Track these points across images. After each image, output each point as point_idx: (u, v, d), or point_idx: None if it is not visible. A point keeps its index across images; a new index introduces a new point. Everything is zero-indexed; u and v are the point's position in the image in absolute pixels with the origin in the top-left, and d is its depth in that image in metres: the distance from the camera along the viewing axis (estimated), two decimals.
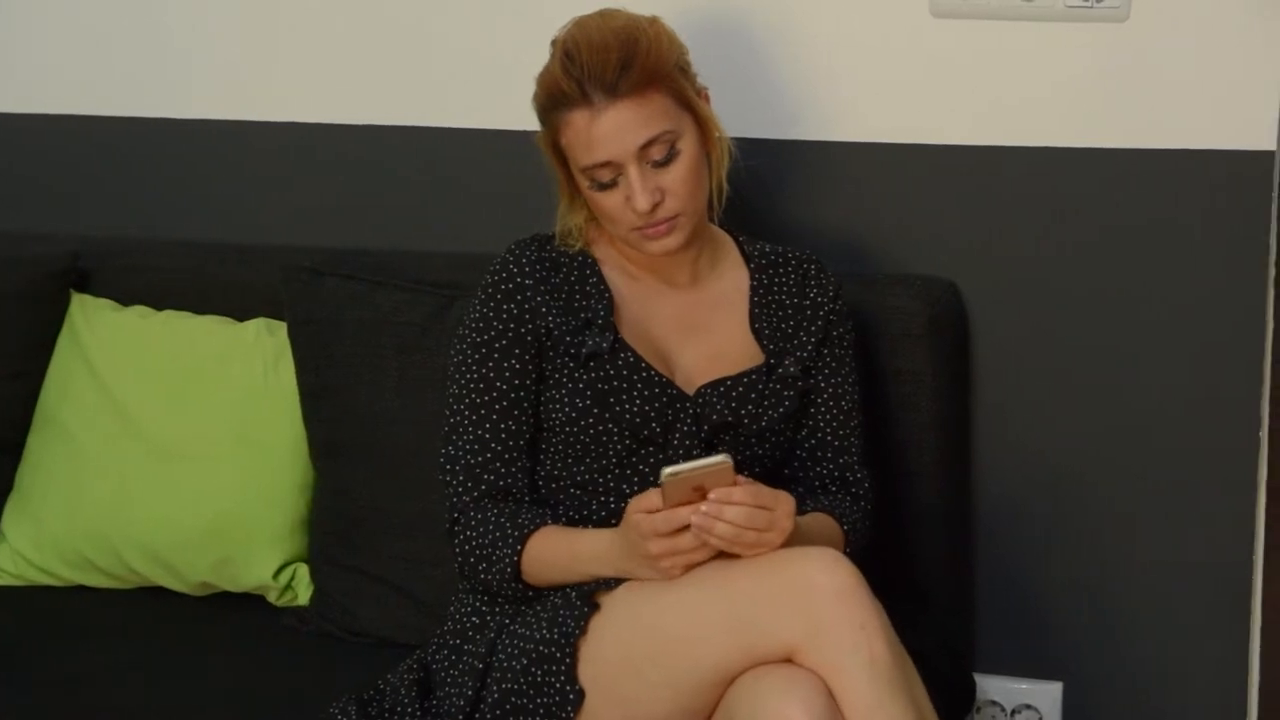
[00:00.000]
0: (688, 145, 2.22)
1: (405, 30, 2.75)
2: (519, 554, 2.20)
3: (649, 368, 2.25)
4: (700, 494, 2.04)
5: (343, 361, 2.59)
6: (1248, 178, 2.49)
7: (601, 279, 2.30)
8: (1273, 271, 2.52)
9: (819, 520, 2.27)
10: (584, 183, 2.23)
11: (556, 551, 2.20)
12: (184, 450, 2.66)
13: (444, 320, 2.55)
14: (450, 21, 2.73)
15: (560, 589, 2.20)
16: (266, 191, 2.85)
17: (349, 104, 2.79)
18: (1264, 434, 2.55)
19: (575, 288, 2.29)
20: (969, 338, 2.61)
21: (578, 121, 2.19)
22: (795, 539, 2.10)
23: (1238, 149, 2.48)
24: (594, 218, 2.31)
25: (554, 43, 2.24)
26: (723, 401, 2.26)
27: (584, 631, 2.12)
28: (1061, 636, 2.67)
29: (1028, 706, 2.68)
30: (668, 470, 2.03)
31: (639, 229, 2.23)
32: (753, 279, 2.36)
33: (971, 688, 2.55)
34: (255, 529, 2.64)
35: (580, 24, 2.23)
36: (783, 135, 2.61)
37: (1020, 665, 2.68)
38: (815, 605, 2.02)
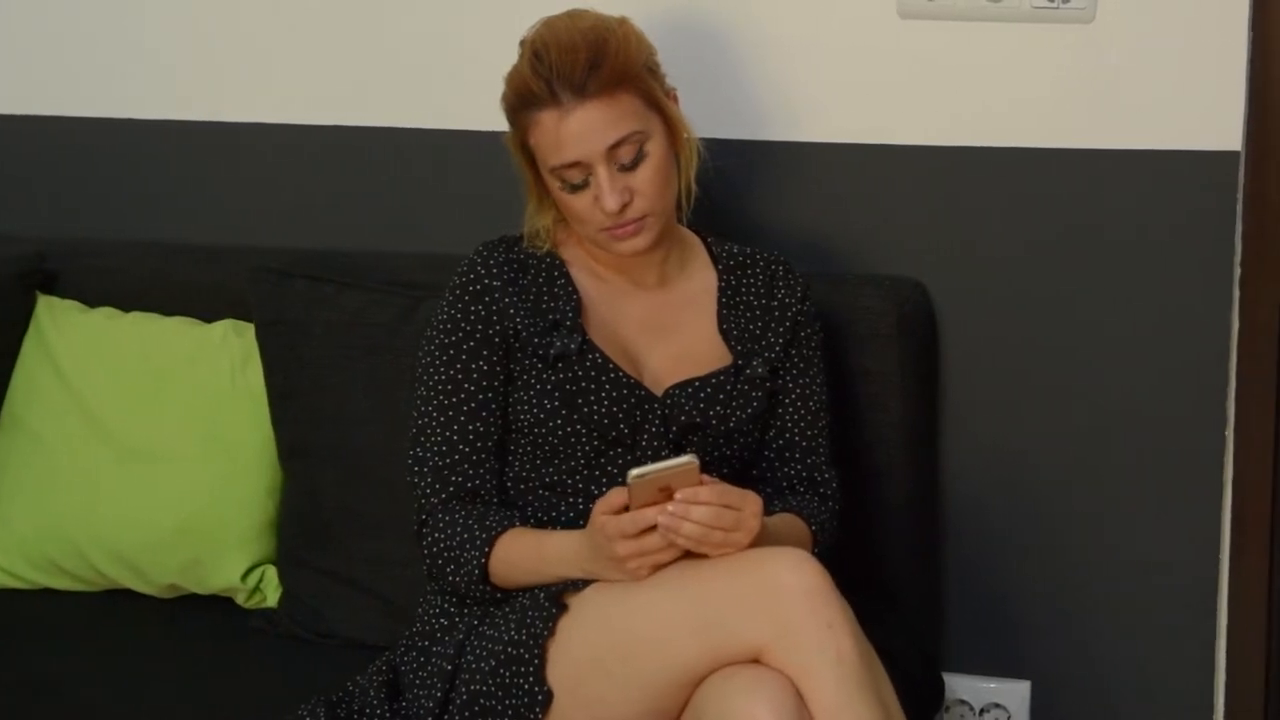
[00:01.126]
0: (656, 146, 2.22)
1: (372, 31, 2.75)
2: (487, 556, 2.19)
3: (617, 369, 2.25)
4: (667, 495, 2.04)
5: (311, 363, 2.59)
6: (1214, 178, 2.50)
7: (569, 280, 2.30)
8: (1239, 271, 2.53)
9: (786, 520, 2.27)
10: (553, 183, 2.23)
11: (524, 553, 2.20)
12: (152, 452, 2.65)
13: (412, 321, 2.54)
14: (417, 22, 2.73)
15: (528, 591, 2.20)
16: (234, 193, 2.84)
17: (317, 105, 2.78)
18: (1230, 433, 2.56)
19: (543, 289, 2.29)
20: (937, 338, 2.61)
21: (546, 122, 2.19)
22: (763, 539, 2.10)
23: (1204, 150, 2.49)
24: (562, 219, 2.31)
25: (522, 43, 2.23)
26: (691, 402, 2.26)
27: (552, 633, 2.12)
28: (1030, 636, 2.67)
29: (996, 705, 2.69)
30: (634, 472, 2.03)
31: (607, 229, 2.22)
32: (721, 280, 2.36)
33: (940, 687, 2.56)
34: (223, 531, 2.63)
35: (549, 24, 2.23)
36: (751, 136, 2.61)
37: (988, 664, 2.68)
38: (782, 605, 2.02)
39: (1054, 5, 2.48)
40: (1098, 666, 2.65)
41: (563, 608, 2.13)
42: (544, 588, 2.17)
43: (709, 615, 2.04)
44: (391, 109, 2.75)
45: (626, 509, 2.06)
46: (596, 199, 2.20)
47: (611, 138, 2.18)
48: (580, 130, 2.18)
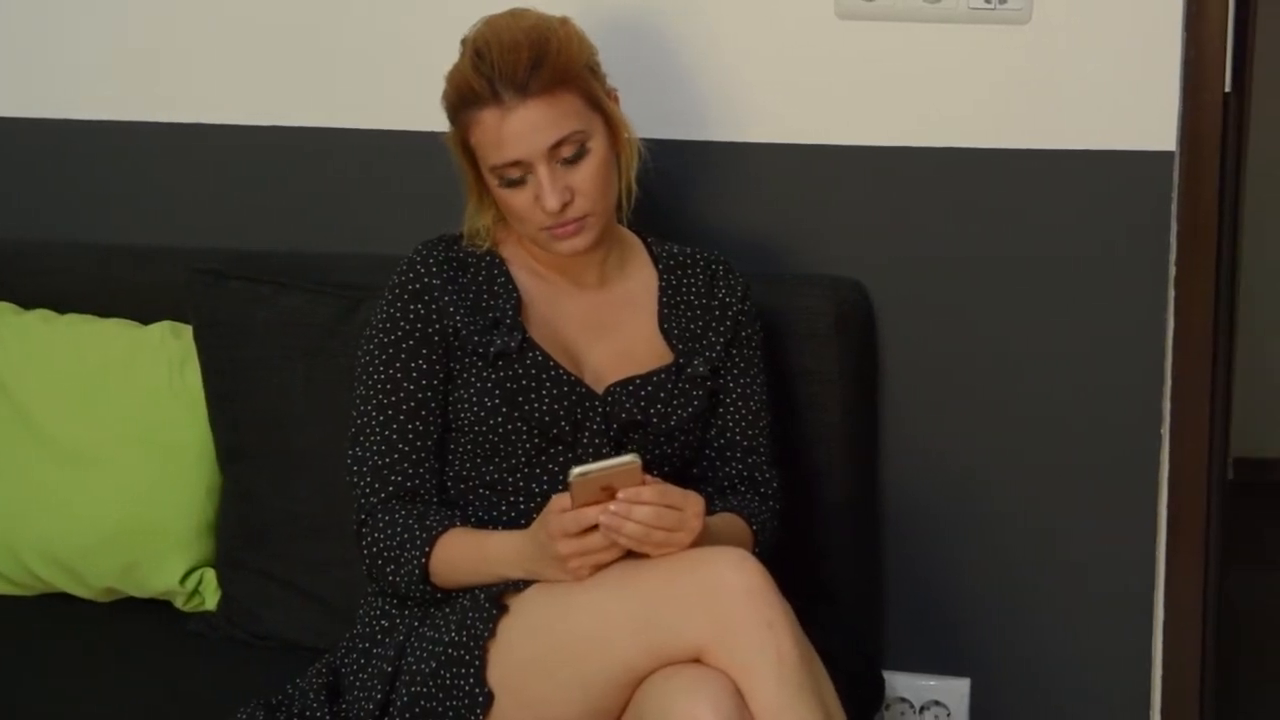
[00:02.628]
0: (597, 145, 2.22)
1: (309, 30, 2.74)
2: (427, 556, 2.19)
3: (558, 366, 2.25)
4: (609, 494, 2.04)
5: (248, 364, 2.57)
6: (1149, 178, 2.51)
7: (509, 279, 2.29)
8: (1174, 271, 2.55)
9: (727, 520, 2.28)
10: (493, 182, 2.23)
11: (465, 553, 2.19)
12: (89, 455, 2.64)
13: (350, 322, 2.53)
14: (354, 21, 2.72)
15: (469, 591, 2.19)
16: (170, 194, 2.83)
17: (254, 105, 2.77)
18: (1166, 433, 2.58)
19: (483, 287, 2.28)
20: (876, 337, 2.62)
21: (487, 120, 2.19)
22: (704, 539, 2.10)
23: (1139, 150, 2.50)
24: (502, 218, 2.30)
25: (464, 41, 2.23)
26: (632, 400, 2.27)
27: (493, 634, 2.11)
28: (969, 633, 2.69)
29: (936, 703, 2.70)
30: (576, 470, 2.03)
31: (548, 229, 2.22)
32: (661, 279, 2.36)
33: (880, 685, 2.57)
34: (161, 534, 2.62)
35: (490, 23, 2.22)
36: (691, 136, 2.61)
37: (928, 662, 2.69)
38: (723, 605, 2.03)
39: (990, 6, 2.50)
40: (1036, 664, 2.67)
41: (503, 608, 2.13)
42: (484, 588, 2.17)
43: (650, 615, 2.04)
44: (329, 109, 2.74)
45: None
46: (537, 198, 2.20)
47: (552, 137, 2.18)
48: (521, 129, 2.18)
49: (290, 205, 2.78)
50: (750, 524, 2.31)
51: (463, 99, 2.21)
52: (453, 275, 2.27)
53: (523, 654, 2.10)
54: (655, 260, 2.38)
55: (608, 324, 2.32)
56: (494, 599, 2.14)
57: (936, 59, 2.54)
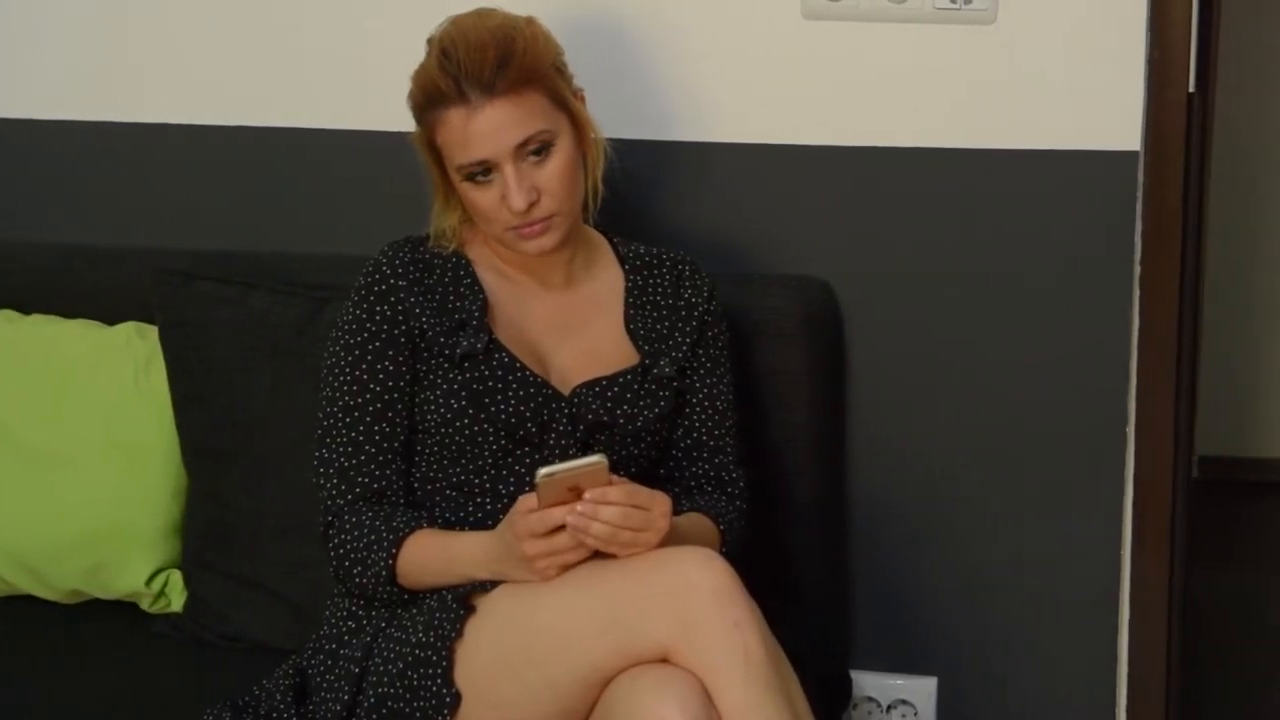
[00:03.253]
0: (563, 145, 2.22)
1: (276, 30, 2.73)
2: (394, 558, 2.19)
3: (524, 368, 2.24)
4: (576, 494, 2.04)
5: (215, 365, 2.57)
6: (1114, 178, 2.52)
7: (475, 280, 2.29)
8: (1138, 270, 2.56)
9: (694, 520, 2.28)
10: (460, 181, 2.23)
11: (432, 555, 2.19)
12: (54, 456, 2.62)
13: (317, 323, 2.53)
14: (321, 21, 2.71)
15: (436, 592, 2.19)
16: (136, 193, 2.82)
17: (220, 105, 2.76)
18: (1131, 430, 2.59)
19: (449, 288, 2.28)
20: (843, 337, 2.63)
21: (454, 120, 2.19)
22: (671, 539, 2.10)
23: (1104, 149, 2.52)
24: (468, 218, 2.30)
25: (430, 41, 2.23)
26: (598, 401, 2.26)
27: (460, 634, 2.11)
28: (936, 632, 2.69)
29: (903, 702, 2.70)
30: (542, 471, 2.03)
31: (514, 228, 2.22)
32: (628, 280, 2.36)
33: (847, 684, 2.57)
34: (127, 535, 2.61)
35: (456, 22, 2.22)
36: (658, 136, 2.61)
37: (895, 661, 2.70)
38: (690, 605, 2.03)
39: (956, 6, 2.51)
40: (1003, 663, 2.68)
41: (470, 609, 2.13)
42: (452, 589, 2.16)
43: (617, 614, 2.04)
44: (295, 109, 2.73)
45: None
46: (503, 197, 2.20)
47: (519, 136, 2.18)
48: (488, 128, 2.18)
49: (257, 205, 2.78)
50: (717, 523, 2.31)
51: (429, 98, 2.20)
52: (418, 276, 2.27)
53: (490, 654, 2.10)
54: (621, 260, 2.38)
55: (574, 325, 2.32)
56: (461, 599, 2.14)
57: (902, 59, 2.54)
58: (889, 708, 2.71)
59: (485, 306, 2.27)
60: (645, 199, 2.62)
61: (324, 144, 2.73)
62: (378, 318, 2.25)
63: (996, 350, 2.60)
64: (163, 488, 2.62)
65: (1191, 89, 2.53)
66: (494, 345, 2.25)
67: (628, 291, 2.36)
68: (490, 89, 2.17)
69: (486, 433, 2.23)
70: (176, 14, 2.76)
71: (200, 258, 2.66)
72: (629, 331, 2.33)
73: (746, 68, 2.59)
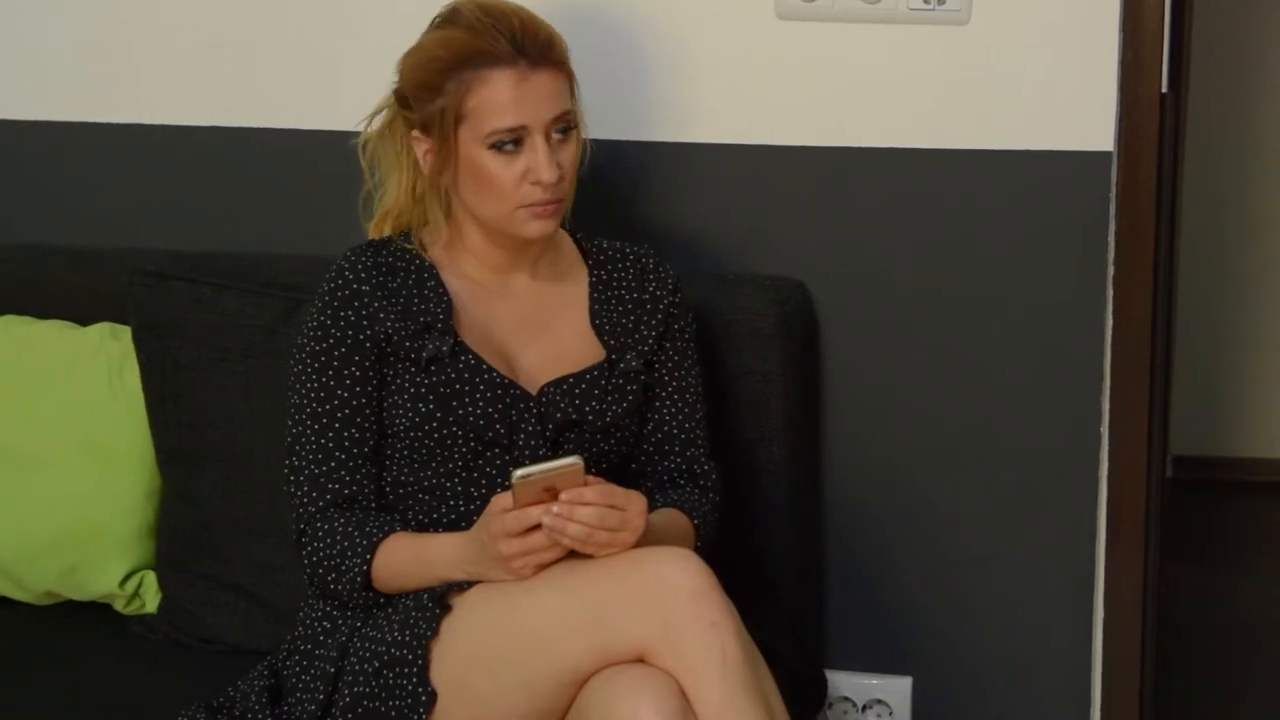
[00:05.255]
0: (578, 132, 2.23)
1: (248, 30, 2.73)
2: (369, 563, 2.18)
3: (491, 369, 2.24)
4: (552, 494, 2.04)
5: (188, 366, 2.56)
6: (1088, 178, 2.53)
7: (439, 282, 2.28)
8: (1112, 270, 2.57)
9: (669, 516, 2.28)
10: (480, 150, 2.19)
11: (406, 558, 2.19)
12: (27, 458, 2.62)
13: (290, 323, 2.52)
14: (295, 22, 2.71)
15: (412, 592, 2.19)
16: (109, 194, 2.81)
17: (193, 106, 2.75)
18: (1105, 429, 2.60)
19: (413, 291, 2.27)
20: (818, 338, 2.63)
21: (501, 80, 2.17)
22: (647, 537, 2.10)
23: (1077, 150, 2.52)
24: (427, 222, 2.28)
25: (453, 9, 2.22)
26: (566, 399, 2.26)
27: (436, 633, 2.11)
28: (911, 632, 2.70)
29: (879, 701, 2.71)
30: (518, 472, 2.03)
31: (530, 205, 2.20)
32: (591, 275, 2.36)
33: (823, 683, 2.57)
34: (101, 537, 2.60)
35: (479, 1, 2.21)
36: (632, 137, 2.62)
37: (871, 661, 2.70)
38: (667, 604, 2.03)
39: (930, 8, 2.51)
40: (978, 662, 2.69)
41: (446, 608, 2.13)
42: (428, 589, 2.16)
43: (594, 614, 2.04)
44: (268, 110, 2.73)
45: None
46: (527, 171, 2.18)
47: (558, 109, 2.19)
48: (535, 94, 2.17)
49: (230, 206, 2.77)
50: (692, 518, 2.31)
51: (468, 58, 2.17)
52: (382, 280, 2.26)
53: (466, 653, 2.10)
54: (585, 255, 2.38)
55: (539, 323, 2.31)
56: (437, 599, 2.14)
57: (876, 60, 2.55)
58: (864, 707, 2.71)
59: (450, 309, 2.26)
60: (620, 199, 2.62)
61: (298, 144, 2.72)
62: (342, 323, 2.24)
63: (971, 350, 2.61)
64: (137, 489, 2.62)
65: (1164, 89, 2.53)
66: (460, 348, 2.24)
67: (592, 287, 2.35)
68: (544, 57, 2.18)
69: (455, 435, 2.23)
70: (150, 15, 2.75)
71: (174, 258, 2.65)
72: (594, 327, 2.33)
73: (720, 68, 2.59)
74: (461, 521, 2.23)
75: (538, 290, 2.32)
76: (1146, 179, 2.54)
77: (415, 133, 2.25)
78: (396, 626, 2.15)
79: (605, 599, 2.05)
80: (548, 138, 2.19)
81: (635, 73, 2.61)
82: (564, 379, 2.27)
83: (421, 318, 2.25)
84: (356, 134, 2.33)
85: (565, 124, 2.21)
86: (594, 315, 2.33)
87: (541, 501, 2.04)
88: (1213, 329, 4.56)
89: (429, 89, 2.21)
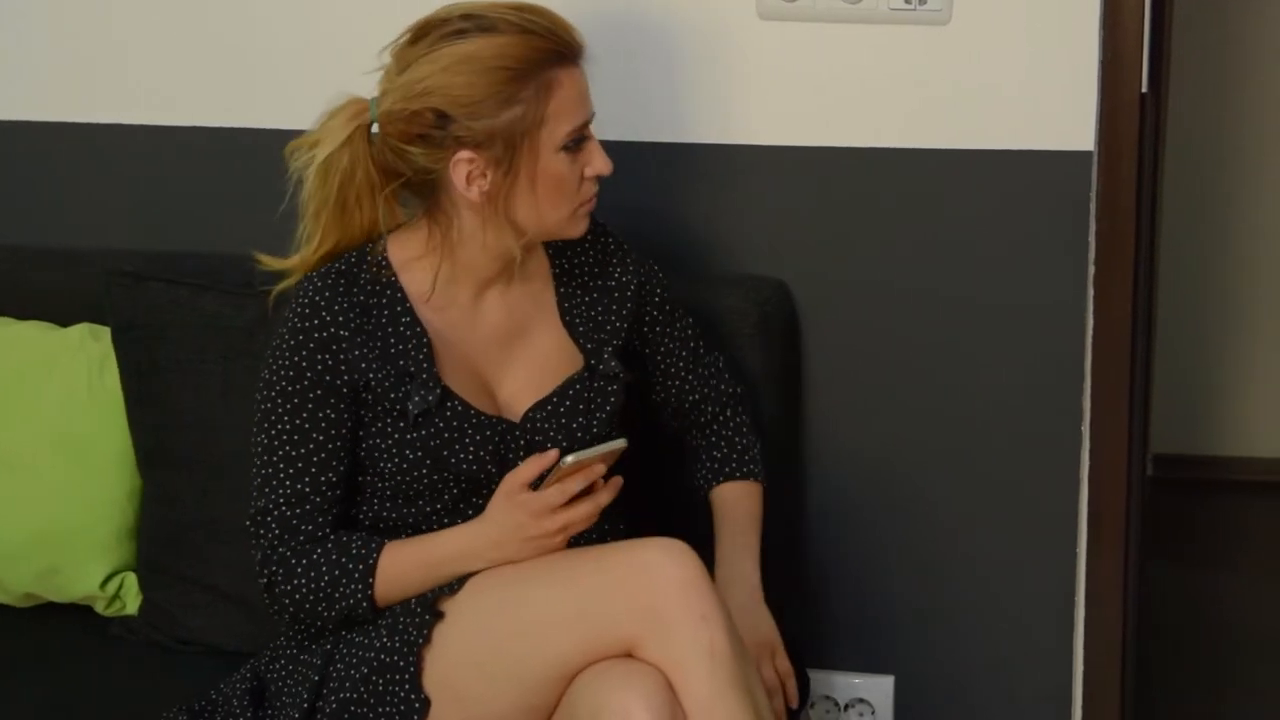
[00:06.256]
0: None
1: (227, 31, 2.72)
2: (371, 585, 2.13)
3: (478, 413, 2.19)
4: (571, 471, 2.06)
5: (167, 367, 2.55)
6: (1068, 178, 2.54)
7: (414, 318, 2.20)
8: (1093, 270, 2.57)
9: (734, 505, 2.36)
10: (553, 153, 2.14)
11: (410, 566, 2.15)
12: (7, 459, 2.61)
13: (270, 324, 2.51)
14: (275, 22, 2.70)
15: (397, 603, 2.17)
16: (88, 195, 2.80)
17: (172, 105, 2.75)
18: (1086, 428, 2.61)
19: (389, 331, 2.19)
20: (799, 337, 2.63)
21: (572, 78, 2.15)
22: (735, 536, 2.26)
23: (1058, 150, 2.53)
24: (406, 240, 2.22)
25: (475, 16, 2.12)
26: (551, 421, 2.23)
27: (428, 640, 2.10)
28: (893, 631, 2.70)
29: (861, 700, 2.71)
30: (570, 458, 2.03)
31: (586, 202, 2.20)
32: (553, 265, 2.31)
33: (805, 682, 2.57)
34: (81, 538, 2.59)
35: (492, 4, 2.16)
36: (612, 137, 2.60)
37: (853, 660, 2.71)
38: (656, 596, 2.02)
39: (911, 8, 2.51)
40: (960, 661, 2.69)
41: (439, 614, 2.11)
42: (417, 599, 2.14)
43: (583, 607, 2.04)
44: (248, 110, 2.72)
45: (535, 485, 2.06)
46: (585, 168, 2.18)
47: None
48: (586, 87, 2.17)
49: (209, 207, 2.76)
50: (742, 476, 2.38)
51: (539, 61, 2.11)
52: (360, 324, 2.17)
53: (458, 655, 2.09)
54: (545, 245, 2.32)
55: (515, 336, 2.26)
56: (429, 605, 2.11)
57: (857, 60, 2.55)
58: (846, 706, 2.71)
59: (431, 353, 2.19)
60: (601, 198, 2.61)
61: (278, 145, 2.70)
62: (319, 367, 2.16)
63: (952, 350, 2.61)
64: (117, 490, 2.61)
65: (1144, 89, 2.54)
66: (445, 394, 2.18)
67: (556, 280, 2.31)
68: (582, 50, 2.17)
69: (446, 480, 2.18)
70: (127, 14, 2.74)
71: (152, 259, 2.64)
72: (566, 325, 2.29)
73: (702, 68, 2.59)
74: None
75: (509, 301, 2.27)
76: (1127, 179, 2.55)
77: (462, 154, 2.11)
78: (385, 633, 2.13)
79: (595, 592, 2.04)
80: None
81: (616, 73, 2.61)
82: (546, 400, 2.23)
83: (400, 361, 2.17)
84: None
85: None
86: (564, 311, 2.29)
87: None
88: (1193, 328, 4.57)
89: (495, 102, 2.10)
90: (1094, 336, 2.58)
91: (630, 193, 2.64)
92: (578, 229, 2.22)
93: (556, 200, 2.17)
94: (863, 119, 2.56)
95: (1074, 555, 2.64)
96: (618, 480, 2.10)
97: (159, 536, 2.58)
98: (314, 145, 2.20)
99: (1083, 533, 2.63)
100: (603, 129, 2.58)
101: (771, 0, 2.54)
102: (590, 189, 2.20)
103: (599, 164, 2.18)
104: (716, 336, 2.51)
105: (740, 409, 2.44)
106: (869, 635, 2.70)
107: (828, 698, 2.71)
